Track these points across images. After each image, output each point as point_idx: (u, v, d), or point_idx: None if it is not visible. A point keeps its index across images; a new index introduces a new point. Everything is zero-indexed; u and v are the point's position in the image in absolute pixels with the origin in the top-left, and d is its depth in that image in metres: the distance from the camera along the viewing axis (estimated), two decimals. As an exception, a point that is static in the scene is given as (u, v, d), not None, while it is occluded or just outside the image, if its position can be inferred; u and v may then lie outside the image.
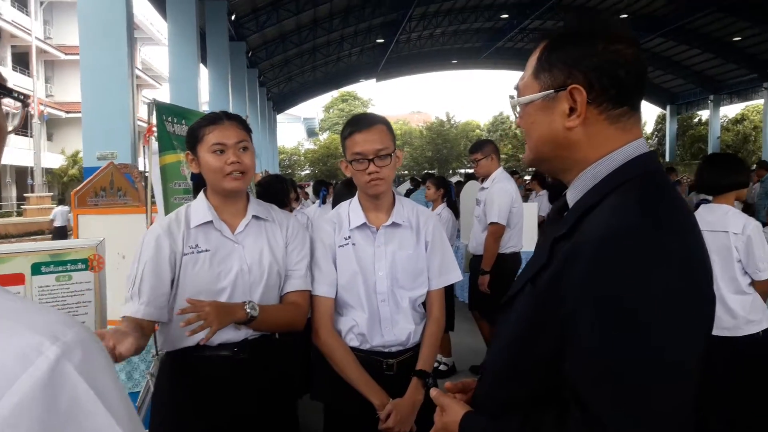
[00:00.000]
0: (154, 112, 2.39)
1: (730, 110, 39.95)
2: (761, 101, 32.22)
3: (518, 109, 1.01)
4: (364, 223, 1.92)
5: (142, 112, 19.88)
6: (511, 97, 1.02)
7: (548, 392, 0.87)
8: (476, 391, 1.09)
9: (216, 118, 1.81)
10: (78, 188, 3.49)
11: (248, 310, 1.72)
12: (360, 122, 1.90)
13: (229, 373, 1.77)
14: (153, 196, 2.80)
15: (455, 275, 2.03)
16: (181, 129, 2.55)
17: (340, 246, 1.93)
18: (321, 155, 41.03)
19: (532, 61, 0.97)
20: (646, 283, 0.76)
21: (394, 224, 1.93)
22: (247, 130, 1.85)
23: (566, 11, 28.01)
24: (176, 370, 1.81)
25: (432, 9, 27.10)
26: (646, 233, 0.79)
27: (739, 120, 39.35)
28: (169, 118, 2.50)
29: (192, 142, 1.82)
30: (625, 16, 23.81)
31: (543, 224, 7.30)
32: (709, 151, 30.46)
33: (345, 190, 3.09)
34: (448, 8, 27.60)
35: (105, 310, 2.07)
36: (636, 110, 0.92)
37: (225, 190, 1.78)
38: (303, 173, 37.69)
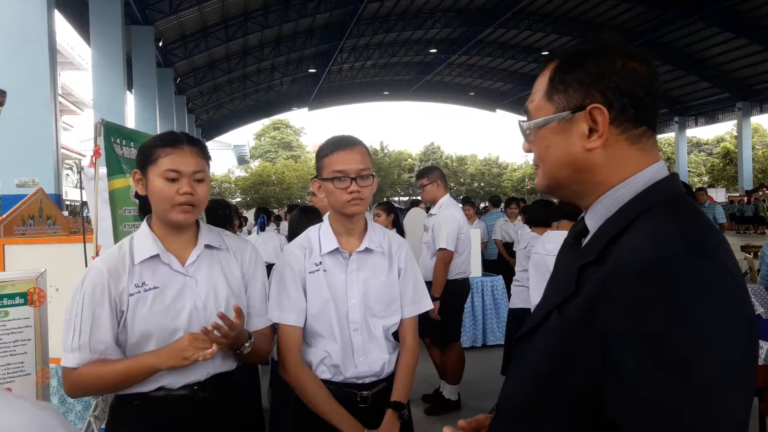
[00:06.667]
0: (102, 134, 2.23)
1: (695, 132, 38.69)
2: (731, 123, 31.28)
3: (529, 133, 0.96)
4: (337, 249, 1.85)
5: (63, 138, 18.88)
6: (522, 122, 0.98)
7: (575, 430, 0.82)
8: (491, 430, 1.02)
9: (175, 140, 1.65)
10: (4, 216, 3.19)
11: (246, 345, 1.66)
12: (342, 142, 1.84)
13: (191, 413, 1.65)
14: (90, 223, 2.61)
15: (427, 303, 1.99)
16: (130, 152, 2.39)
17: (310, 272, 1.84)
18: (253, 183, 40.31)
19: (542, 82, 0.94)
20: (699, 316, 0.71)
21: (367, 250, 1.87)
22: (206, 158, 1.70)
23: (491, 45, 29.34)
24: (132, 414, 1.64)
25: (363, 42, 27.66)
26: (693, 261, 0.75)
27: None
28: (118, 140, 2.33)
29: (143, 161, 1.65)
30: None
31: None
32: (677, 175, 29.94)
33: (303, 218, 2.99)
34: (379, 41, 28.26)
35: (47, 348, 1.88)
36: (654, 131, 0.91)
37: (171, 222, 1.64)
38: (234, 201, 36.85)
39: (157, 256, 1.63)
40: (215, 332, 1.53)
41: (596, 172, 0.90)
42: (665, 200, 0.85)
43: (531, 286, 3.55)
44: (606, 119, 0.87)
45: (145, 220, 1.72)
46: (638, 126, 0.88)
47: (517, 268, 4.59)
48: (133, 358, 1.59)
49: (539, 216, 4.37)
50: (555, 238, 3.44)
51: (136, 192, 1.73)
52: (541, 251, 3.47)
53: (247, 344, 1.66)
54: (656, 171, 0.89)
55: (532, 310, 3.80)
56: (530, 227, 4.63)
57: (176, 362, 1.54)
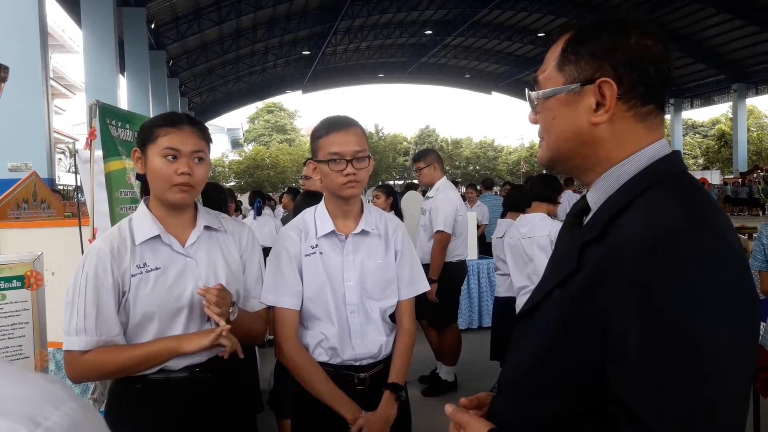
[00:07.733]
0: (97, 115, 2.20)
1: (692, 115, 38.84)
2: (726, 105, 31.28)
3: (536, 103, 0.95)
4: (333, 231, 1.84)
5: (55, 122, 18.73)
6: (530, 89, 0.96)
7: (578, 407, 0.83)
8: (492, 407, 1.02)
9: (176, 120, 1.64)
10: (-3, 200, 3.18)
11: (231, 311, 1.61)
12: (338, 123, 1.81)
13: (192, 395, 1.65)
14: (85, 207, 2.60)
15: (424, 285, 1.98)
16: (126, 134, 2.37)
17: (306, 255, 1.84)
18: (247, 167, 40.13)
19: (555, 52, 0.92)
20: (702, 290, 0.72)
21: (363, 232, 1.86)
22: (207, 139, 1.70)
23: (486, 27, 29.11)
24: (132, 397, 1.64)
25: (357, 23, 27.38)
26: (695, 235, 0.75)
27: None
28: (113, 122, 2.31)
29: (143, 139, 1.64)
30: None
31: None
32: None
33: (307, 202, 2.98)
34: (374, 23, 28.00)
35: (45, 332, 1.87)
36: (661, 110, 0.90)
37: (168, 202, 1.63)
38: (228, 185, 36.71)
39: (158, 237, 1.63)
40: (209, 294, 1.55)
41: (600, 147, 0.90)
42: (668, 177, 0.85)
43: (511, 271, 3.57)
44: (614, 94, 0.86)
45: (142, 201, 1.71)
46: (646, 104, 0.88)
47: (494, 258, 4.54)
48: (154, 342, 1.60)
49: (515, 201, 4.36)
50: (527, 222, 3.47)
51: (137, 173, 1.72)
52: (515, 235, 3.50)
53: (231, 309, 1.63)
54: (659, 148, 0.89)
55: (516, 297, 3.78)
56: (508, 212, 4.57)
57: (197, 344, 1.56)
